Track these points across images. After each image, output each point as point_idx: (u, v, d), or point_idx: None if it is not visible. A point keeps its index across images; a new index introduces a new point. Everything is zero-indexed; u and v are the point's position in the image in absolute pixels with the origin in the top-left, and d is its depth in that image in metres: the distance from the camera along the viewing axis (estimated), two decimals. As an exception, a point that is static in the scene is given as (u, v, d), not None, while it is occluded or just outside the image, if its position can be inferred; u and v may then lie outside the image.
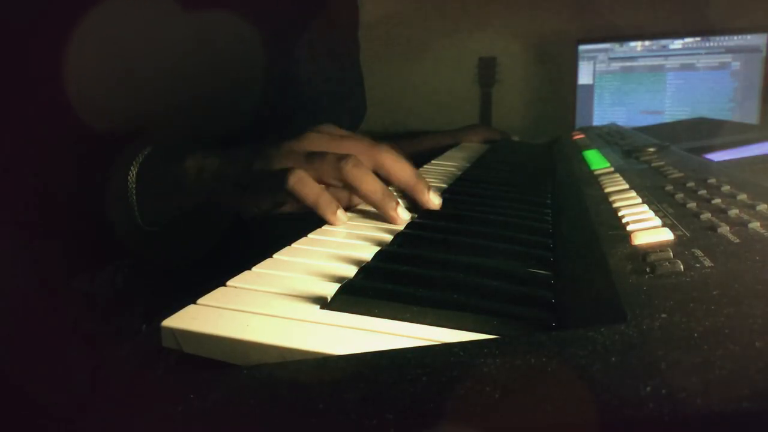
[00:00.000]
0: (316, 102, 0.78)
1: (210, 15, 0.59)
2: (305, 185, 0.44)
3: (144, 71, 0.55)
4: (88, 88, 0.51)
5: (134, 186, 0.48)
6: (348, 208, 0.49)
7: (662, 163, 0.56)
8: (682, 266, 0.26)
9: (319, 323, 0.27)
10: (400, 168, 0.49)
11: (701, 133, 0.93)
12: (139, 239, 0.52)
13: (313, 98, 0.78)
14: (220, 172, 0.49)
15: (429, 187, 0.50)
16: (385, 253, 0.37)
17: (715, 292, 0.23)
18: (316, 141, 0.48)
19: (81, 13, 0.48)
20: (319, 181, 0.46)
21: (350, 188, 0.46)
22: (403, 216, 0.46)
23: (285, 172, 0.44)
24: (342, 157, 0.45)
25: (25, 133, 0.51)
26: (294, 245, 0.39)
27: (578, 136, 0.97)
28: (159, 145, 0.51)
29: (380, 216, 0.48)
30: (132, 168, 0.49)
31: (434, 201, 0.50)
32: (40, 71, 0.49)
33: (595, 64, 1.43)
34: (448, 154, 0.94)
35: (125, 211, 0.50)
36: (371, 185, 0.46)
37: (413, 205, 0.51)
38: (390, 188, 0.49)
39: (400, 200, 0.47)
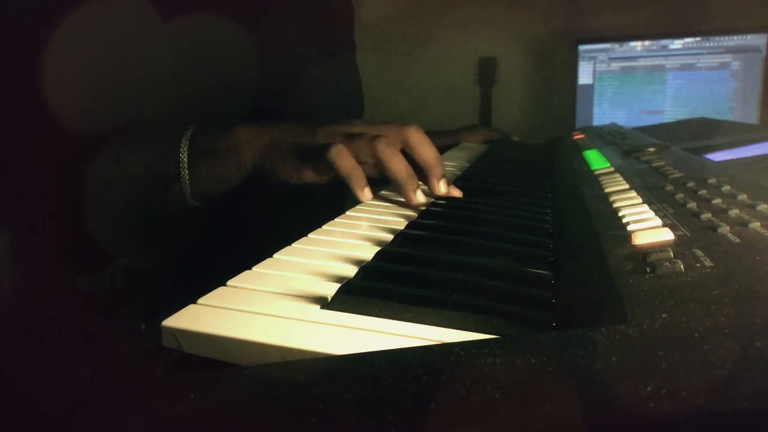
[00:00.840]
0: (310, 102, 0.78)
1: (202, 17, 0.60)
2: (343, 158, 0.49)
3: (139, 72, 0.56)
4: (82, 92, 0.52)
5: (186, 162, 0.52)
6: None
7: (662, 163, 0.56)
8: (682, 266, 0.26)
9: (320, 323, 0.27)
10: (425, 148, 0.53)
11: (701, 133, 0.93)
12: (182, 220, 0.55)
13: (308, 98, 0.78)
14: (272, 139, 0.53)
15: (444, 176, 0.54)
16: (385, 253, 0.37)
17: (715, 292, 0.23)
18: (358, 126, 0.54)
19: (76, 20, 0.50)
20: (356, 160, 0.50)
21: (380, 166, 0.51)
22: (420, 199, 0.51)
23: (327, 145, 0.50)
24: (376, 137, 0.51)
25: (25, 135, 0.51)
26: (294, 245, 0.39)
27: (578, 136, 0.97)
28: (204, 123, 0.55)
29: (380, 216, 0.48)
30: (182, 144, 0.52)
31: (441, 188, 0.53)
32: (37, 74, 0.50)
33: (595, 64, 1.43)
34: (448, 154, 0.94)
35: (171, 191, 0.53)
36: (399, 165, 0.50)
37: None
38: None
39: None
